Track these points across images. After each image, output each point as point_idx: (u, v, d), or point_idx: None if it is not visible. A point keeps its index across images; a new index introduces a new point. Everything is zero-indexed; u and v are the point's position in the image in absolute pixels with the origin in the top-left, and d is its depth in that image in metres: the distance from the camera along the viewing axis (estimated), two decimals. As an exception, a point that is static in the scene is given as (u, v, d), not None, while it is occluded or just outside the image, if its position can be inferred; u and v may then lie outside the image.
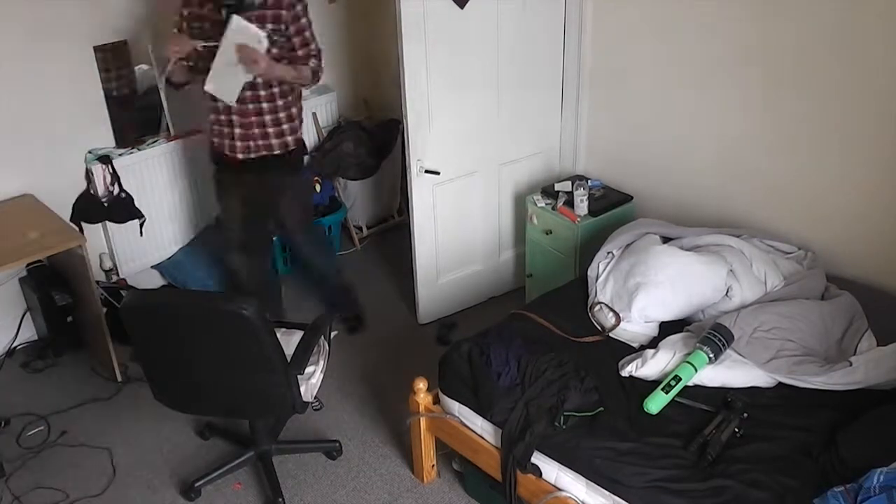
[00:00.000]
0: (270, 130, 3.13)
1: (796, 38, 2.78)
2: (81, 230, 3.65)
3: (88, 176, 3.67)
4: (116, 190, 3.73)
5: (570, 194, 3.42)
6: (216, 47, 2.91)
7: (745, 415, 2.24)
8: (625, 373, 2.48)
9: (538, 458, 2.29)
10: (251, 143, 3.13)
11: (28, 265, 3.55)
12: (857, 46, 2.63)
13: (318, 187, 4.24)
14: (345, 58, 4.60)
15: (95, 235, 3.77)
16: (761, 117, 2.99)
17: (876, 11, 2.55)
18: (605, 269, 2.89)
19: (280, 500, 2.76)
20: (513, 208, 3.79)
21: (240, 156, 3.15)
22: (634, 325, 2.70)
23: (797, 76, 2.83)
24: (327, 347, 2.80)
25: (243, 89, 3.01)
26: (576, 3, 3.44)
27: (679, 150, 3.33)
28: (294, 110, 3.18)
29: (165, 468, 2.99)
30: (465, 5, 3.19)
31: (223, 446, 3.07)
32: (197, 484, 2.82)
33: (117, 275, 3.88)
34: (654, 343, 2.60)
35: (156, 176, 3.87)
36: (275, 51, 2.98)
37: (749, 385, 2.41)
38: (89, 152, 3.68)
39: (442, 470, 2.90)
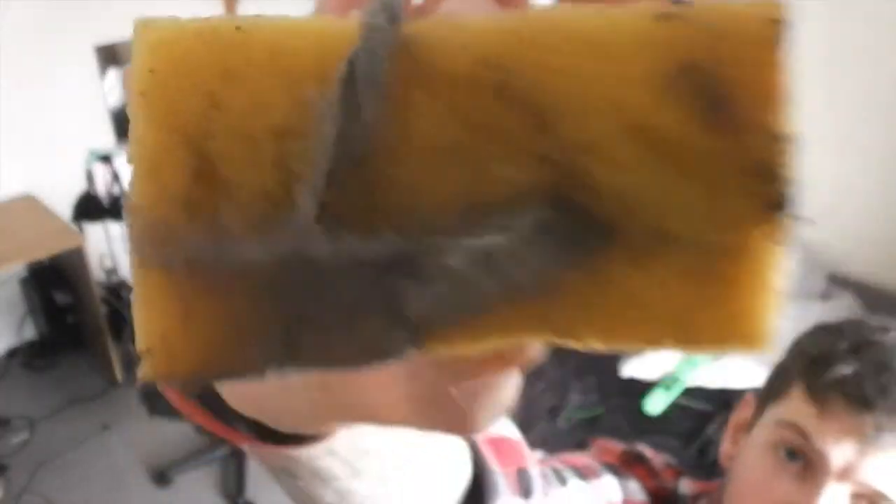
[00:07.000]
0: None
1: (797, 37, 2.78)
2: (82, 230, 3.65)
3: (89, 176, 3.67)
4: (117, 190, 3.73)
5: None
6: None
7: (746, 415, 2.23)
8: (625, 373, 2.48)
9: (538, 458, 2.29)
10: None
11: (28, 265, 3.56)
12: (859, 45, 2.63)
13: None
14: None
15: (96, 235, 3.77)
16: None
17: (876, 8, 2.55)
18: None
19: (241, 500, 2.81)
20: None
21: None
22: (635, 326, 2.70)
23: (798, 74, 2.82)
24: None
25: None
26: (576, 3, 3.45)
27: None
28: None
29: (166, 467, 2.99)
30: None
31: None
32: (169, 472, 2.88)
33: (117, 275, 3.88)
34: (654, 343, 2.60)
35: (156, 176, 3.87)
36: None
37: (750, 385, 2.40)
38: (90, 152, 3.68)
39: (442, 470, 2.90)
